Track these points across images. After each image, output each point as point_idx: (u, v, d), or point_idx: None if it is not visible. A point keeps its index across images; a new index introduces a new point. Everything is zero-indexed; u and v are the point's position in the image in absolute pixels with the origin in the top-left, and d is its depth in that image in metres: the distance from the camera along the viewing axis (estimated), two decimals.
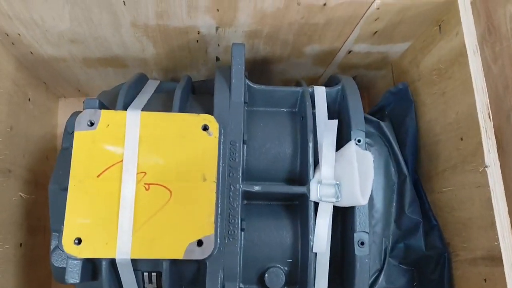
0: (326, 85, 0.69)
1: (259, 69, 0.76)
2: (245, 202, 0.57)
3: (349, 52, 0.71)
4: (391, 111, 0.71)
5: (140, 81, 0.63)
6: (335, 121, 0.57)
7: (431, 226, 0.62)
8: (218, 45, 0.67)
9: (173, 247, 0.50)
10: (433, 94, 0.64)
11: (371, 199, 0.60)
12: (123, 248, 0.50)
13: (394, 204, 0.63)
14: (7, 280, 0.62)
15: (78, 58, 0.68)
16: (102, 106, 0.55)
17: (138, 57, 0.69)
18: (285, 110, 0.62)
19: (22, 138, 0.68)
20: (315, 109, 0.60)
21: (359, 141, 0.57)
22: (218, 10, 0.57)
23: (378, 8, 0.58)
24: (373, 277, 0.61)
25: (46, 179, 0.76)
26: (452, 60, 0.59)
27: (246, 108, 0.59)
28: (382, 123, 0.65)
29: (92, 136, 0.52)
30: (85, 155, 0.52)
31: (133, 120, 0.53)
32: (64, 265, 0.52)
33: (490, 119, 0.54)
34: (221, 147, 0.55)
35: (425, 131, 0.66)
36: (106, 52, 0.67)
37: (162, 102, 0.60)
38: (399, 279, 0.63)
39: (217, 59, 0.72)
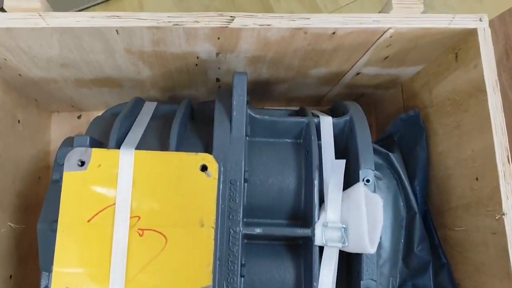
0: (331, 110, 0.66)
1: (262, 89, 0.72)
2: (245, 241, 0.54)
3: (358, 74, 0.67)
4: (400, 138, 0.67)
5: (135, 107, 0.60)
6: (343, 161, 0.53)
7: (441, 265, 0.59)
8: (219, 68, 0.63)
9: None
10: (446, 125, 0.60)
11: None
12: None
13: (402, 240, 0.60)
14: None
15: (70, 79, 0.64)
16: (94, 143, 0.51)
17: (134, 79, 0.65)
18: (289, 141, 0.59)
19: (11, 164, 0.64)
20: (320, 140, 0.57)
21: (367, 181, 0.53)
22: (218, 38, 0.53)
23: (391, 37, 0.54)
24: None
25: (39, 200, 0.73)
26: (469, 93, 0.55)
27: (247, 139, 0.56)
28: (391, 155, 0.61)
29: (83, 177, 0.49)
30: (75, 198, 0.49)
31: (127, 160, 0.50)
32: None
33: (509, 162, 0.50)
34: (221, 187, 0.51)
35: (436, 162, 0.63)
36: (99, 74, 0.63)
37: (158, 134, 0.56)
38: None
39: (217, 80, 0.68)
